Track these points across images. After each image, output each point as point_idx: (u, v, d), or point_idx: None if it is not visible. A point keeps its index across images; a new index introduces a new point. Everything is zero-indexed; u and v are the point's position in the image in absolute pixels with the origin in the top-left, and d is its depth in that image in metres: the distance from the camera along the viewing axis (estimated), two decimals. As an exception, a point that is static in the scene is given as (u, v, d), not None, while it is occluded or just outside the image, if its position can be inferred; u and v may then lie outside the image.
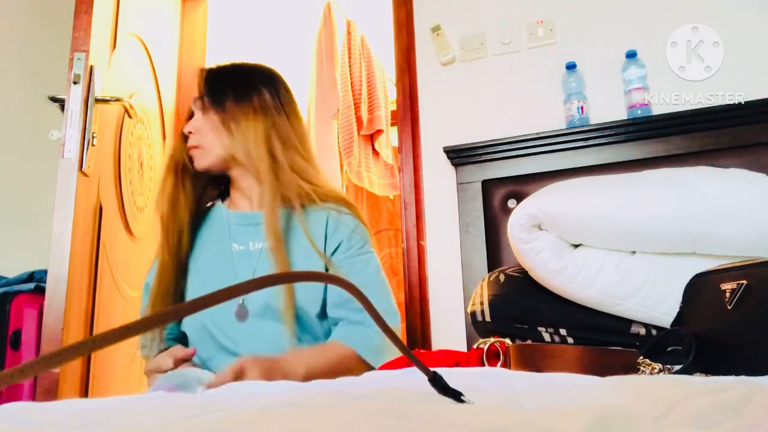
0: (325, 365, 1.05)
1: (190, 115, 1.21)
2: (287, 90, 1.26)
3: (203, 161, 1.17)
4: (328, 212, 1.17)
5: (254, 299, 1.11)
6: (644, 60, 1.74)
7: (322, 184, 1.20)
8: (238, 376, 0.93)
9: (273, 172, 1.13)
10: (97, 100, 1.73)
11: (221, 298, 0.33)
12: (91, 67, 1.73)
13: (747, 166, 1.42)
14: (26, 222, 2.38)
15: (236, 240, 1.17)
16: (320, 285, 1.12)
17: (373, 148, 3.15)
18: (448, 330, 1.83)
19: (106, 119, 1.81)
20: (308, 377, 1.01)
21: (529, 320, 1.28)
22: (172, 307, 0.30)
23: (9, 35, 2.51)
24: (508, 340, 1.06)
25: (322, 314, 1.14)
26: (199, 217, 1.23)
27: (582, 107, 1.76)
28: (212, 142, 1.16)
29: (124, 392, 1.76)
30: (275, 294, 1.08)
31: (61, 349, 0.26)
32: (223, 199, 1.26)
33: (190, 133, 1.18)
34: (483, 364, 1.00)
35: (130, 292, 1.89)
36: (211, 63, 1.30)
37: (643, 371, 0.84)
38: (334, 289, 1.13)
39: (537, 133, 1.76)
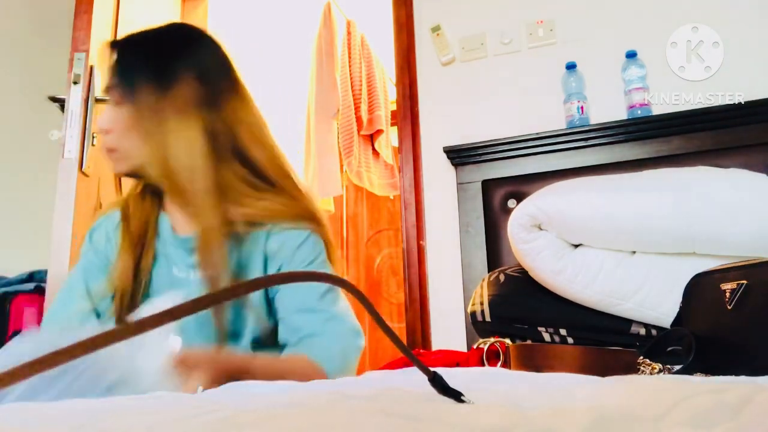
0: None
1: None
2: (227, 63, 0.94)
3: (120, 167, 0.92)
4: (268, 231, 0.92)
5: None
6: (644, 60, 1.74)
7: (269, 199, 0.91)
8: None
9: (208, 198, 0.87)
10: (98, 100, 1.74)
11: (222, 298, 0.34)
12: (91, 67, 1.73)
13: (747, 166, 1.42)
14: (26, 222, 2.38)
15: (176, 263, 0.94)
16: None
17: (373, 148, 3.15)
18: (448, 330, 1.83)
19: (106, 119, 1.82)
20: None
21: (529, 320, 1.28)
22: (170, 307, 0.30)
23: (9, 35, 2.51)
24: (508, 340, 1.06)
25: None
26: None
27: (582, 107, 1.76)
28: (128, 146, 0.89)
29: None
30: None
31: (60, 350, 0.26)
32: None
33: (105, 132, 0.91)
34: (483, 364, 1.00)
35: (130, 292, 1.89)
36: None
37: (643, 371, 0.84)
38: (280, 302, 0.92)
39: (537, 133, 1.76)
